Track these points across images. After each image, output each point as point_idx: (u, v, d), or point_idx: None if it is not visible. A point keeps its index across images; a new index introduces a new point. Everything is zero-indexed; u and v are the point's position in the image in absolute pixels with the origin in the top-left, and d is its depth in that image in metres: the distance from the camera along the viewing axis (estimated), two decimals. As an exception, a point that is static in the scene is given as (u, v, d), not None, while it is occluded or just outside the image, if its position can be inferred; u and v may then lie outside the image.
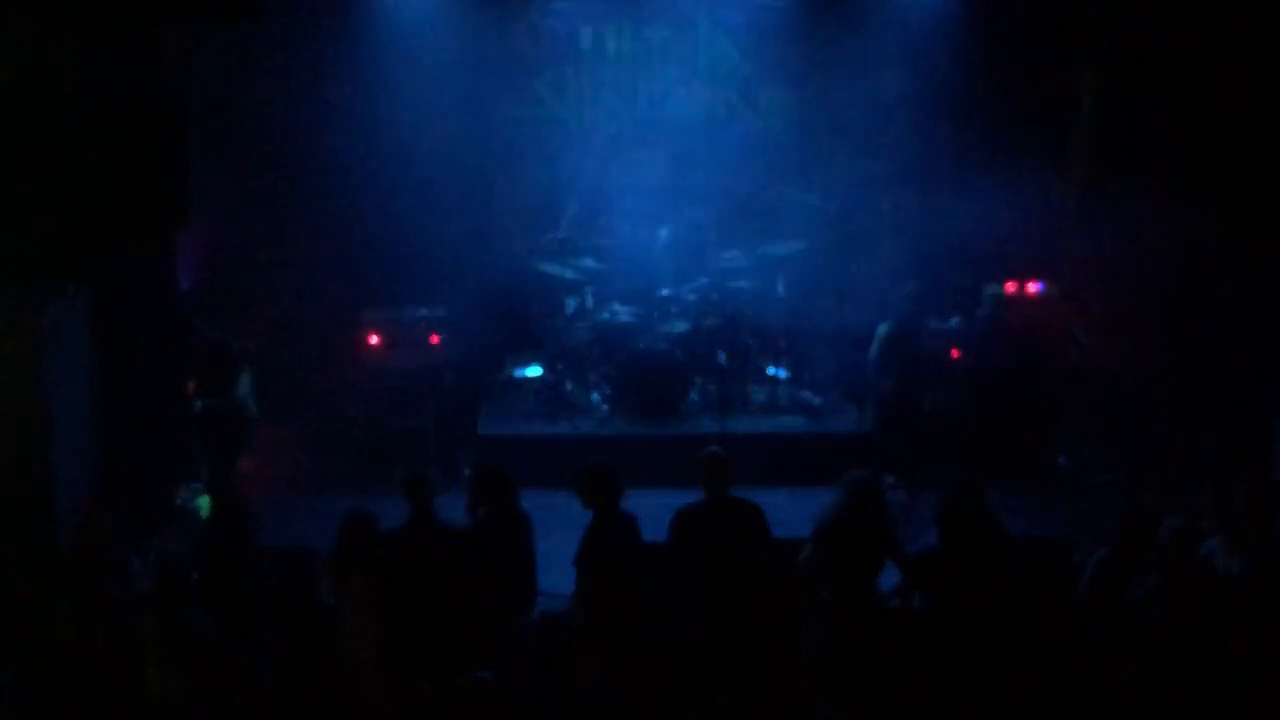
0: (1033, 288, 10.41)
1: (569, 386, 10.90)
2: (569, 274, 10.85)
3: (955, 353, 10.44)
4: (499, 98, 11.65)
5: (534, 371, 11.22)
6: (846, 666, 6.77)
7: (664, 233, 11.11)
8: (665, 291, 10.83)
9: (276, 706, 6.53)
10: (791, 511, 8.25)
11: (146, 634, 6.24)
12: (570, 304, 10.98)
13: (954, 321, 10.56)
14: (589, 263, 10.96)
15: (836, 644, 6.81)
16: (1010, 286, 10.41)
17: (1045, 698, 6.68)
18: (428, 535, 6.85)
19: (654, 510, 7.21)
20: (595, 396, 10.87)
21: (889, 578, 7.12)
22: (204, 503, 9.26)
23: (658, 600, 7.06)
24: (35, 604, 6.93)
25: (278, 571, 7.31)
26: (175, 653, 6.16)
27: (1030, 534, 8.62)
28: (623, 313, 10.79)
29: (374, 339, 10.44)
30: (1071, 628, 6.84)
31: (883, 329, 9.76)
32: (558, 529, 7.29)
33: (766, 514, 7.12)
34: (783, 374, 10.98)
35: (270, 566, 7.24)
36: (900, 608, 7.01)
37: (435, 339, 10.51)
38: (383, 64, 10.88)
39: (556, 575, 7.16)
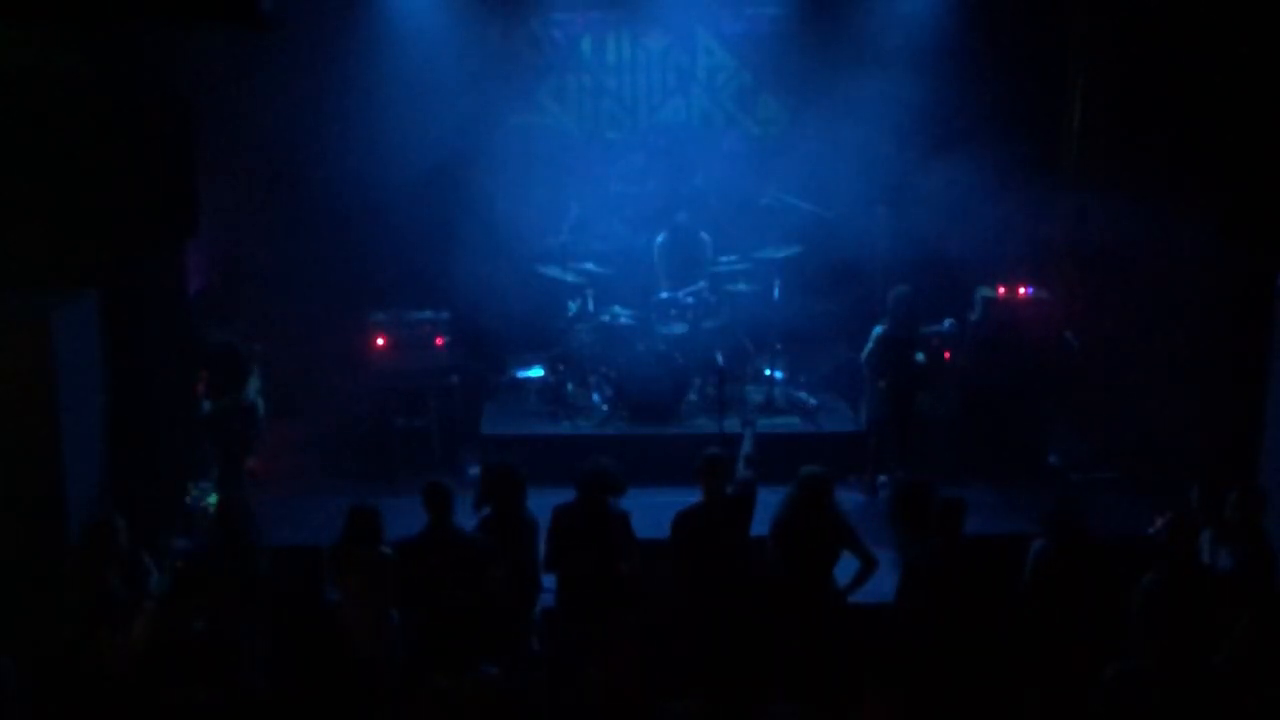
0: (1024, 291, 10.52)
1: (570, 387, 11.01)
2: (570, 277, 10.92)
3: (948, 354, 10.56)
4: (501, 105, 11.75)
5: (536, 373, 11.39)
6: (810, 658, 6.93)
7: (662, 237, 11.27)
8: (664, 294, 10.92)
9: (280, 705, 6.61)
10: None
11: (144, 633, 6.38)
12: (571, 307, 11.06)
13: (947, 323, 10.63)
14: (589, 266, 11.04)
15: (799, 636, 6.97)
16: (1001, 290, 10.53)
17: (1030, 692, 6.84)
18: (444, 542, 7.02)
19: (653, 509, 7.34)
20: (596, 397, 10.99)
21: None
22: (213, 501, 9.38)
23: (655, 599, 7.23)
24: (45, 603, 7.02)
25: (282, 570, 7.44)
26: (173, 650, 6.31)
27: (1021, 532, 8.76)
28: (623, 315, 10.88)
29: (380, 341, 10.51)
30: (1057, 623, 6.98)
31: (877, 330, 9.87)
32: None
33: (764, 512, 7.24)
34: (779, 375, 11.09)
35: (275, 565, 7.38)
36: (896, 603, 7.13)
37: (440, 341, 10.60)
38: (387, 71, 10.95)
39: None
